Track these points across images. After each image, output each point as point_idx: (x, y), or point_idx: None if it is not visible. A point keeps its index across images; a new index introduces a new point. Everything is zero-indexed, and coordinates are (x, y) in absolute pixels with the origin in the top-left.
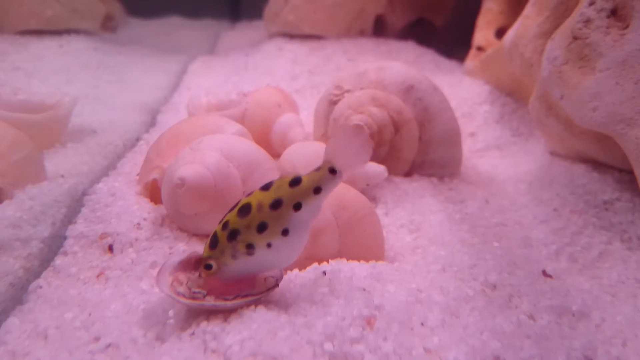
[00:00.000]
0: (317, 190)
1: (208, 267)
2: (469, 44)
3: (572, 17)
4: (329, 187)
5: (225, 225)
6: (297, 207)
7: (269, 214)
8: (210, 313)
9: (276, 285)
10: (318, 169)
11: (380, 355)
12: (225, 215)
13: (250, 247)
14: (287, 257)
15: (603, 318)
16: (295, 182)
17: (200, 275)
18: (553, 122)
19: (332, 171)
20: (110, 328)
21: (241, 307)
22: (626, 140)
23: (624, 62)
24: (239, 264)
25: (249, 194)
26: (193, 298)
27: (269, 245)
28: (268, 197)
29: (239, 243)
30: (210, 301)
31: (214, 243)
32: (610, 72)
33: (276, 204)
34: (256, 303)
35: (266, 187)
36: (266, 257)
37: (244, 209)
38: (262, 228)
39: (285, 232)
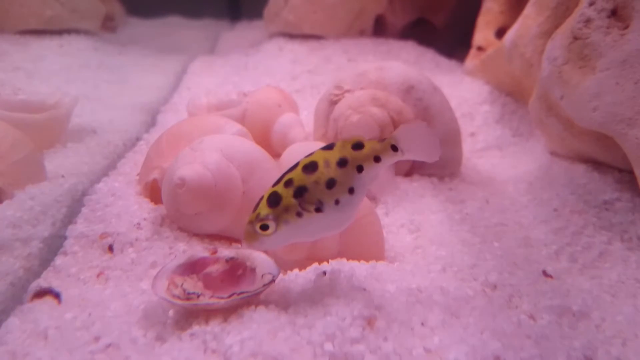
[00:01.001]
0: (377, 159)
1: (264, 227)
2: (469, 44)
3: (572, 17)
4: (388, 160)
5: (288, 182)
6: (360, 169)
7: (337, 171)
8: (209, 313)
9: (272, 281)
10: (382, 140)
11: (380, 356)
12: (284, 175)
13: (319, 204)
14: (349, 217)
15: (603, 318)
16: (358, 145)
17: (243, 241)
18: (553, 122)
19: (394, 148)
20: (110, 328)
21: (238, 305)
22: (626, 140)
23: (624, 62)
24: (301, 224)
25: (310, 154)
26: (187, 299)
27: (337, 202)
28: (334, 156)
29: (307, 199)
30: (203, 300)
31: (274, 201)
32: (610, 72)
33: (343, 162)
34: (256, 303)
35: (329, 147)
36: (333, 215)
37: (310, 166)
38: (331, 184)
39: (351, 191)
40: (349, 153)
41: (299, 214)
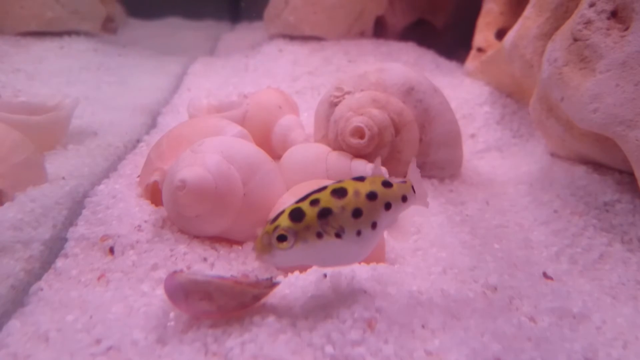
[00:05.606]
0: (404, 199)
1: (282, 238)
2: (469, 45)
3: (572, 18)
4: (411, 201)
5: (314, 202)
6: (388, 206)
7: (365, 203)
8: (209, 314)
9: (277, 284)
10: (404, 182)
11: (381, 358)
12: (310, 194)
13: (341, 230)
14: (365, 251)
15: (604, 320)
16: (387, 184)
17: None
18: (553, 123)
19: (413, 190)
20: (111, 330)
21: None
22: (626, 141)
23: (624, 64)
24: (319, 246)
25: (339, 181)
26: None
27: (358, 233)
28: (364, 187)
29: (330, 222)
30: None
31: (298, 216)
32: (610, 73)
33: (372, 196)
34: (257, 306)
35: (360, 179)
36: (351, 245)
37: (340, 191)
38: (357, 214)
39: (374, 225)
40: (379, 188)
41: (319, 235)
